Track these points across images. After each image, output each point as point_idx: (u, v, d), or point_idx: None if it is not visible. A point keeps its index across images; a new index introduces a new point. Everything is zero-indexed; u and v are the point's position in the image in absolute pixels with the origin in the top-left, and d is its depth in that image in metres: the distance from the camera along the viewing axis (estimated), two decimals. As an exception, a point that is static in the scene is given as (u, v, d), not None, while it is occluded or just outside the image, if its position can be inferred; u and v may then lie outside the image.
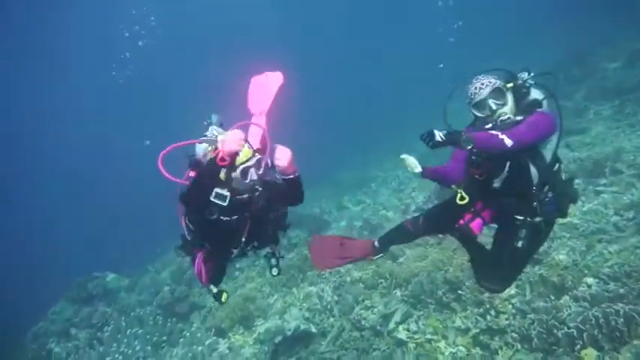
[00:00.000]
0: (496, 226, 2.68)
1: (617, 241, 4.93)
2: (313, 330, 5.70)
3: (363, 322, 5.37)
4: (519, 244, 2.37)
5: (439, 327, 4.80)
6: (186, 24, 26.94)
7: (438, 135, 2.13)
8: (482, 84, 2.39)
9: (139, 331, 7.45)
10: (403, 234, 3.02)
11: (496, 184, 2.45)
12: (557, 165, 2.42)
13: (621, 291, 4.01)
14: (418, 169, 2.75)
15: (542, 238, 2.56)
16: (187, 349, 6.45)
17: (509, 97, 2.38)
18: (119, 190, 23.76)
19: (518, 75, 2.45)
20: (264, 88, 2.72)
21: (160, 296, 8.72)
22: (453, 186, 2.67)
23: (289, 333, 5.66)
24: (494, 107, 2.35)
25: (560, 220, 5.61)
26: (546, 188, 2.37)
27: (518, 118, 2.33)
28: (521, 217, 2.38)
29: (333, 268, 3.24)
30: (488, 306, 4.64)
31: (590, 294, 4.12)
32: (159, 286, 9.45)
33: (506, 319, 4.42)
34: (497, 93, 2.37)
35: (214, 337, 6.56)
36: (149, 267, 11.47)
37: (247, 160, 2.33)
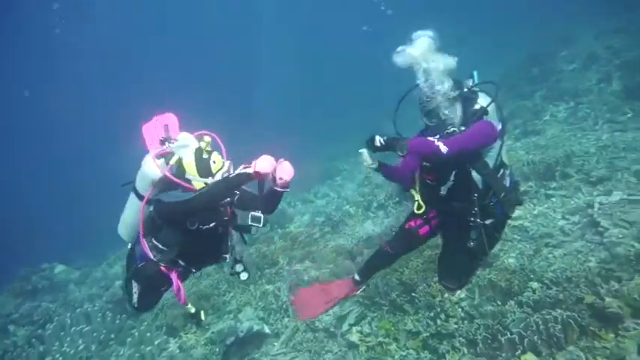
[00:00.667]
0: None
1: (562, 245, 5.11)
2: (267, 330, 5.60)
3: (317, 324, 5.32)
4: (471, 244, 2.51)
5: (391, 330, 4.82)
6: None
7: (378, 140, 2.31)
8: (433, 93, 2.39)
9: (85, 329, 7.06)
10: (384, 258, 3.05)
11: (443, 191, 2.53)
12: (501, 171, 2.50)
13: (561, 296, 4.14)
14: (375, 164, 2.58)
15: (495, 239, 2.65)
16: (135, 349, 6.17)
17: (458, 106, 2.44)
18: (73, 176, 22.33)
19: (464, 82, 2.46)
20: (159, 129, 2.54)
21: (110, 291, 8.33)
22: (412, 191, 2.67)
23: (242, 334, 5.52)
24: (442, 117, 2.42)
25: (512, 223, 5.79)
26: (490, 193, 2.47)
27: (463, 128, 2.37)
28: (472, 220, 2.47)
29: (319, 315, 3.31)
30: (439, 309, 4.69)
31: (533, 299, 4.25)
32: (110, 281, 9.01)
33: (455, 324, 4.49)
34: (447, 102, 2.41)
35: (165, 336, 6.32)
36: (102, 259, 10.91)
37: (222, 167, 2.48)
